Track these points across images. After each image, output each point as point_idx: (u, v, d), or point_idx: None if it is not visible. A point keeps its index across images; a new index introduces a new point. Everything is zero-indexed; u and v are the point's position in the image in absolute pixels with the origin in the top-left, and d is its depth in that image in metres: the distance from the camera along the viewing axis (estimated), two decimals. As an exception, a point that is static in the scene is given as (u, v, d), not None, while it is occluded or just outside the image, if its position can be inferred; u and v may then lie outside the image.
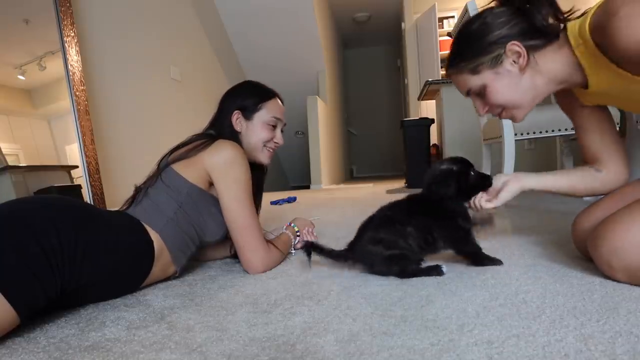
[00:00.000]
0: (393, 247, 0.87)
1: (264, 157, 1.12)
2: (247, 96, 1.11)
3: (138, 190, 1.00)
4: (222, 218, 0.99)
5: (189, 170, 0.96)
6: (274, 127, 1.12)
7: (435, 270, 0.87)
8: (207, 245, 1.08)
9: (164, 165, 0.99)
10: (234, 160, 0.96)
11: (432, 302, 0.72)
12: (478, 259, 0.92)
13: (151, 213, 0.92)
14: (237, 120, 1.08)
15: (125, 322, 0.71)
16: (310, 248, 0.93)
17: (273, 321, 0.67)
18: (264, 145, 1.11)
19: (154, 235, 0.89)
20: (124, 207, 0.99)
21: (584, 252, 0.90)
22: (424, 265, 0.91)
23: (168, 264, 0.93)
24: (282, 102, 1.17)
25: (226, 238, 1.04)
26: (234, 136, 1.07)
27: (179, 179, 0.95)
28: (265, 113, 1.10)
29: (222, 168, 0.95)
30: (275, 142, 1.13)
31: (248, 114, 1.09)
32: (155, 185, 0.96)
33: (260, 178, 1.15)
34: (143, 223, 0.90)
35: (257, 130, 1.09)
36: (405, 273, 0.87)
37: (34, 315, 0.70)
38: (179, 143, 1.05)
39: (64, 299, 0.75)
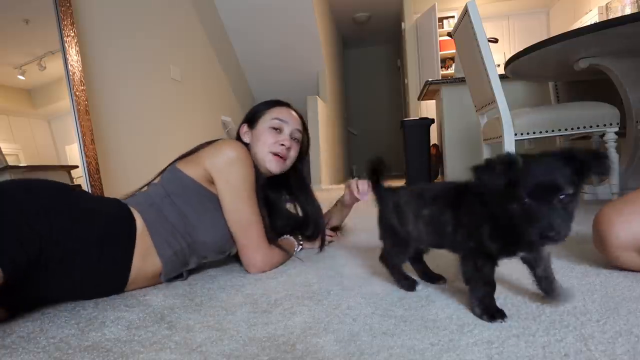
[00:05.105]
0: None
1: (270, 165, 1.07)
2: (255, 109, 1.14)
3: (140, 189, 1.04)
4: (219, 217, 0.97)
5: (189, 166, 0.98)
6: (280, 130, 1.09)
7: (407, 284, 0.79)
8: (211, 256, 1.02)
9: (169, 165, 1.03)
10: (234, 159, 0.95)
11: (432, 302, 0.72)
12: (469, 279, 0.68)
13: (138, 197, 0.96)
14: (245, 132, 1.11)
15: (125, 322, 0.71)
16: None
17: (273, 321, 0.67)
18: (270, 151, 1.07)
19: (136, 214, 0.90)
20: None
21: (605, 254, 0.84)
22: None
23: (150, 249, 0.88)
24: (295, 111, 1.16)
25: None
26: None
27: (176, 172, 0.98)
28: (268, 116, 1.09)
29: (222, 167, 0.95)
30: (281, 145, 1.07)
31: (253, 123, 1.11)
32: (155, 182, 1.01)
33: (272, 195, 1.16)
34: (129, 205, 0.92)
35: (262, 135, 1.08)
36: (389, 267, 0.82)
37: (17, 274, 0.68)
38: (185, 152, 1.06)
39: (56, 276, 0.75)
